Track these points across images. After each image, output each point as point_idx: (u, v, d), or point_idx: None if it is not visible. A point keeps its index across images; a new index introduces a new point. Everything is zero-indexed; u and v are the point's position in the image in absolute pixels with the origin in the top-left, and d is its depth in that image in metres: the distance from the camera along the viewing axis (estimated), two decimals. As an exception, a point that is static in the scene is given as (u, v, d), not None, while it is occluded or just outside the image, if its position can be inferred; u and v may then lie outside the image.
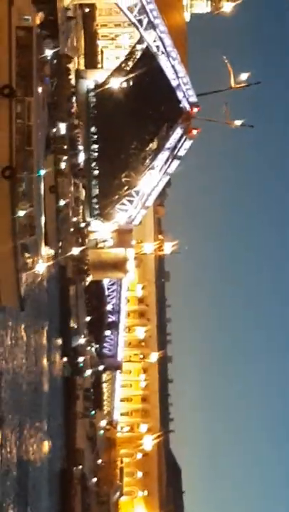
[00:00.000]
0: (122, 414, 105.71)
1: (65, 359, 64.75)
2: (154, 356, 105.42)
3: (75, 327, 67.34)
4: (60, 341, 62.05)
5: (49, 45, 47.59)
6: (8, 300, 33.52)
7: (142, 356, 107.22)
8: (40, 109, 36.99)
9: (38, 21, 35.26)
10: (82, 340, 70.77)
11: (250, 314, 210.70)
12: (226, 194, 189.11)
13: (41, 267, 39.12)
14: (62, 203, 70.30)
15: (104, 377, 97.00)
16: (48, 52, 46.85)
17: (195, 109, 72.86)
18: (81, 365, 73.77)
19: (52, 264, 57.06)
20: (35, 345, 51.85)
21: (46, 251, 52.84)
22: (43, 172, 35.31)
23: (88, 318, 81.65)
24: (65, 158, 72.62)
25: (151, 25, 69.78)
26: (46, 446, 57.38)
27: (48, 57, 47.81)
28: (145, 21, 69.75)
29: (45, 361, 56.30)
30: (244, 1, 76.23)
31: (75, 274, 74.34)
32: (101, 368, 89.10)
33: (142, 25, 70.02)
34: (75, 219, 77.89)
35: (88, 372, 78.88)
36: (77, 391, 71.38)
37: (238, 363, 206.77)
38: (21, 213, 31.00)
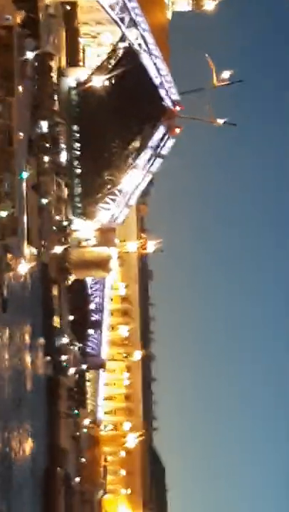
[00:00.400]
0: (105, 413, 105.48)
1: (48, 358, 64.65)
2: (137, 355, 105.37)
3: (58, 326, 67.27)
4: (43, 341, 61.96)
5: (30, 44, 47.45)
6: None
7: (125, 355, 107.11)
8: (22, 110, 36.88)
9: (18, 20, 35.12)
10: (65, 340, 70.67)
11: (235, 312, 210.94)
12: (209, 192, 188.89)
13: (24, 268, 39.00)
14: (44, 201, 70.19)
15: (88, 375, 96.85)
16: (29, 52, 46.71)
17: (178, 108, 72.87)
18: (65, 364, 73.68)
19: (35, 264, 56.94)
20: (17, 344, 51.71)
21: (29, 250, 52.77)
22: (25, 175, 35.20)
23: (71, 317, 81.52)
24: (47, 156, 72.51)
25: (133, 23, 69.67)
26: (29, 445, 57.29)
27: (30, 57, 47.65)
28: (127, 19, 69.63)
29: (28, 360, 56.21)
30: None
31: (58, 273, 74.26)
32: (84, 367, 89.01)
33: (123, 23, 69.88)
34: (57, 217, 77.75)
35: (71, 371, 78.78)
36: (61, 390, 71.28)
37: (222, 360, 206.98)
38: (3, 214, 30.89)
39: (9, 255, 33.27)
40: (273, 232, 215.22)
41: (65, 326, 73.48)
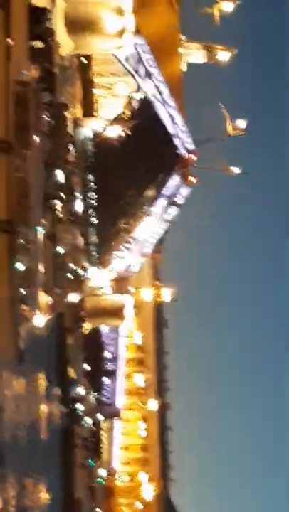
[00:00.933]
0: (121, 463, 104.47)
1: (63, 408, 64.31)
2: (153, 404, 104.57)
3: (74, 376, 66.99)
4: (58, 391, 61.68)
5: (46, 98, 48.10)
6: (6, 352, 33.41)
7: (140, 404, 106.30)
8: (38, 162, 37.34)
9: (34, 75, 35.71)
10: (80, 390, 70.32)
11: (252, 359, 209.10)
12: (224, 241, 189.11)
13: (39, 319, 39.11)
14: (60, 250, 70.51)
15: (103, 425, 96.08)
16: (45, 105, 47.39)
17: (193, 157, 73.44)
18: (79, 413, 73.20)
19: (50, 313, 57.01)
20: (32, 395, 51.51)
21: (44, 298, 52.95)
22: (40, 230, 35.48)
23: (86, 367, 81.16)
24: (62, 205, 73.02)
25: (148, 75, 70.59)
26: (44, 496, 56.69)
27: (45, 111, 48.31)
28: (142, 71, 70.56)
29: (42, 411, 55.88)
30: (240, 51, 77.40)
31: (73, 321, 74.19)
32: (100, 417, 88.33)
33: (139, 75, 70.84)
34: (72, 266, 77.97)
35: (87, 420, 78.21)
36: (76, 441, 70.75)
37: (239, 409, 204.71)
38: (19, 266, 31.04)
39: (25, 307, 33.40)
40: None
41: (80, 376, 73.17)
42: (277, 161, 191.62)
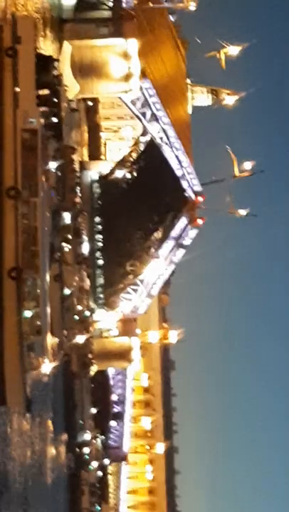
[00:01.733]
0: (128, 507, 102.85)
1: (70, 454, 63.44)
2: (160, 447, 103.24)
3: (81, 422, 66.16)
4: (65, 436, 60.89)
5: (53, 145, 48.03)
6: (15, 401, 32.86)
7: (148, 447, 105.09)
8: (46, 209, 37.10)
9: (42, 122, 35.61)
10: (87, 436, 69.39)
11: (259, 400, 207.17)
12: (230, 282, 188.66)
13: (47, 367, 38.58)
14: (66, 291, 70.05)
15: (110, 468, 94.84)
16: (52, 152, 47.26)
17: (200, 198, 73.26)
18: (86, 457, 72.16)
19: (58, 357, 56.48)
20: (40, 441, 50.80)
21: (51, 340, 52.53)
22: (48, 276, 35.11)
23: (94, 410, 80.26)
24: (69, 247, 72.79)
25: (155, 118, 70.64)
26: None
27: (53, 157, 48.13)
28: (148, 114, 70.65)
29: (50, 457, 55.09)
30: (247, 93, 77.75)
31: (80, 364, 73.45)
32: (106, 461, 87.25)
33: (145, 118, 70.89)
34: (79, 308, 77.46)
35: (93, 464, 77.09)
36: (83, 486, 69.67)
37: (247, 451, 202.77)
38: (27, 313, 30.62)
39: (32, 354, 33.01)
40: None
41: (87, 422, 72.30)
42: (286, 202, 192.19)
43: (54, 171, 47.75)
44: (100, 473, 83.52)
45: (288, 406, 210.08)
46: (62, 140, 56.73)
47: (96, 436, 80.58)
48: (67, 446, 61.15)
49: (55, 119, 51.49)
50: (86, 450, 71.11)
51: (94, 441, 78.39)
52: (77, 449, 65.31)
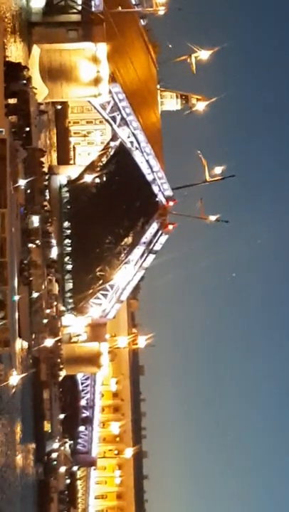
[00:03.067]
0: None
1: (38, 463, 61.91)
2: (129, 452, 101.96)
3: (49, 431, 64.55)
4: (33, 446, 59.38)
5: (22, 154, 46.54)
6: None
7: (116, 452, 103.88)
8: (14, 220, 35.51)
9: (11, 129, 34.05)
10: (56, 445, 67.80)
11: (227, 405, 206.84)
12: (199, 287, 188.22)
13: (15, 379, 36.97)
14: (35, 295, 68.54)
15: (79, 474, 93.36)
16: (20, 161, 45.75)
17: (171, 203, 72.04)
18: (54, 463, 70.57)
19: (26, 365, 55.08)
20: (8, 450, 49.32)
21: (20, 344, 51.03)
22: (16, 297, 33.57)
23: (62, 416, 78.66)
24: (38, 250, 71.25)
25: (125, 122, 69.24)
26: None
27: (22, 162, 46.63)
28: (118, 118, 69.24)
29: (18, 467, 53.59)
30: (218, 97, 76.96)
31: (49, 375, 71.80)
32: (75, 468, 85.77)
33: (115, 122, 69.51)
34: (48, 311, 75.92)
35: (62, 469, 75.49)
36: (52, 493, 67.98)
37: (215, 456, 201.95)
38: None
39: (1, 366, 31.41)
40: (268, 329, 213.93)
41: (55, 430, 70.71)
42: (257, 205, 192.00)
43: (24, 187, 46.32)
44: (68, 480, 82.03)
45: (258, 409, 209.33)
46: (31, 144, 55.34)
47: (65, 442, 79.00)
48: (35, 456, 59.63)
49: (24, 127, 50.09)
50: (55, 459, 69.53)
51: (62, 448, 76.78)
52: (46, 458, 63.66)
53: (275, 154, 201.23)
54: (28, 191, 66.56)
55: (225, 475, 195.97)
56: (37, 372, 61.04)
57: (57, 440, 68.18)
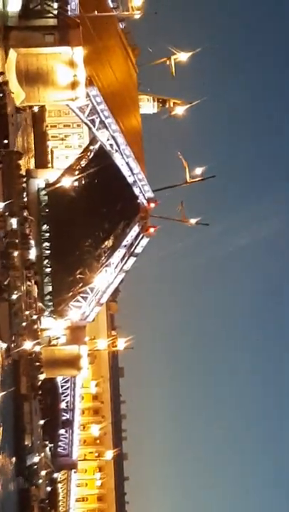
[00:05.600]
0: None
1: (20, 477, 61.24)
2: (109, 454, 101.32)
3: (30, 445, 63.64)
4: (14, 459, 58.64)
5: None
6: None
7: (97, 454, 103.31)
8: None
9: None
10: (36, 459, 66.83)
11: (204, 407, 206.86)
12: (178, 289, 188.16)
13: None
14: (14, 296, 67.81)
15: (60, 476, 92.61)
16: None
17: (152, 205, 71.52)
18: (35, 473, 69.68)
19: (5, 370, 54.62)
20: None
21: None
22: None
23: (42, 422, 77.80)
24: (16, 252, 70.50)
25: (104, 125, 68.73)
26: None
27: None
28: (97, 121, 68.62)
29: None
30: (199, 100, 76.71)
31: (29, 387, 70.91)
32: (56, 475, 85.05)
33: (94, 125, 68.90)
34: (27, 313, 75.15)
35: (43, 478, 74.47)
36: (33, 502, 67.02)
37: (195, 457, 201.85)
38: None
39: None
40: (245, 329, 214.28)
41: (36, 444, 69.75)
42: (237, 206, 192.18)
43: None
44: (49, 488, 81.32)
45: (236, 411, 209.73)
46: (8, 144, 54.80)
47: (45, 446, 78.12)
48: (16, 469, 58.89)
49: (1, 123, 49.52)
50: (35, 472, 68.61)
51: (43, 454, 75.79)
52: (27, 471, 62.87)
53: (256, 155, 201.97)
54: (6, 193, 66.02)
55: (206, 476, 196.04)
56: (17, 386, 60.38)
57: (37, 454, 67.38)
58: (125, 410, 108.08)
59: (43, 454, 73.59)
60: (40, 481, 70.83)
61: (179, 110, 77.54)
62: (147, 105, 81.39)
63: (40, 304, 76.62)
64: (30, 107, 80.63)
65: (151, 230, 71.67)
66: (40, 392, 77.56)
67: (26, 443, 60.10)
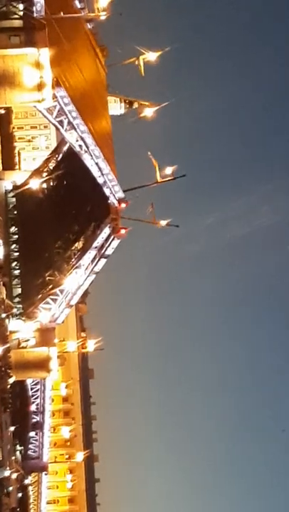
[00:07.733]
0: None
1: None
2: (80, 456, 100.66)
3: (0, 459, 62.92)
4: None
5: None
6: None
7: (67, 456, 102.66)
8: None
9: None
10: (7, 473, 66.02)
11: (175, 407, 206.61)
12: (148, 290, 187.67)
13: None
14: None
15: (30, 479, 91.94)
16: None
17: (123, 205, 71.07)
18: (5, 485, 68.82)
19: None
20: None
21: None
22: None
23: (13, 428, 77.04)
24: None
25: (72, 126, 68.19)
26: None
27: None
28: (65, 122, 68.08)
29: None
30: (169, 99, 76.49)
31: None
32: (27, 481, 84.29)
33: (62, 127, 68.28)
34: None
35: (13, 487, 73.57)
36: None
37: (165, 459, 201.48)
38: None
39: None
40: (215, 328, 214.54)
41: (6, 459, 68.91)
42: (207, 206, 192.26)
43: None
44: (20, 494, 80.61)
45: (208, 416, 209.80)
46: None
47: (15, 446, 77.44)
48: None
49: None
50: (7, 484, 67.74)
51: (13, 457, 75.07)
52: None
53: (226, 155, 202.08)
54: None
55: (176, 477, 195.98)
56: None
57: (8, 468, 66.60)
58: (95, 412, 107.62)
59: (14, 469, 72.79)
60: (11, 488, 69.94)
61: (148, 112, 77.23)
62: (114, 106, 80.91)
63: (7, 301, 75.79)
64: (-3, 109, 79.99)
65: (122, 231, 71.12)
66: (10, 400, 76.90)
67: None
